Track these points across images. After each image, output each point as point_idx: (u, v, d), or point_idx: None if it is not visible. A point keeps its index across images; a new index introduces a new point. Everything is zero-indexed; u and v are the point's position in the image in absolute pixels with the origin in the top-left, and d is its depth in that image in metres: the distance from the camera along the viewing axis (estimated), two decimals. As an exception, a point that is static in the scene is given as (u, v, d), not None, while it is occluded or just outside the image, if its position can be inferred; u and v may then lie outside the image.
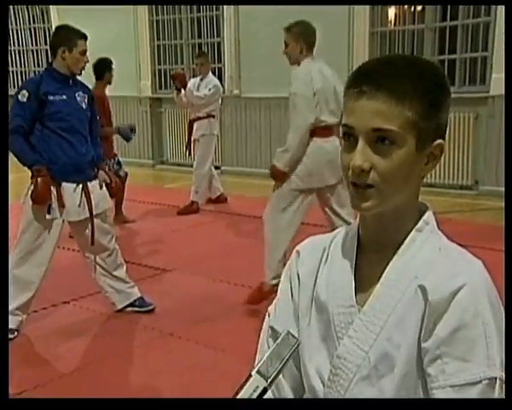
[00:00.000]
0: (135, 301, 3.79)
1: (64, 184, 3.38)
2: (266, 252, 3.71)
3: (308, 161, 3.58)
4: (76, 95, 3.42)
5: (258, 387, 0.79)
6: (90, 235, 3.52)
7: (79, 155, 3.41)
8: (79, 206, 3.44)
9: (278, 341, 0.83)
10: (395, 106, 0.91)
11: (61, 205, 3.36)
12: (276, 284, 1.18)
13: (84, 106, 3.46)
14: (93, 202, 3.47)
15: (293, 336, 0.84)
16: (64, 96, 3.35)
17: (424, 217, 1.00)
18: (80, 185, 3.44)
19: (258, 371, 0.80)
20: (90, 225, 3.50)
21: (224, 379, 2.68)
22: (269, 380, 0.79)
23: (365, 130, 0.92)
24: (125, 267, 3.81)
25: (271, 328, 1.08)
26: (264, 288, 3.69)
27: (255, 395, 0.78)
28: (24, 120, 3.28)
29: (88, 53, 3.46)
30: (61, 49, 3.33)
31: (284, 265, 1.23)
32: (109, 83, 5.78)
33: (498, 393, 0.88)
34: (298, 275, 1.07)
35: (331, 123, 3.61)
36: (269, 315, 1.11)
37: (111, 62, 5.73)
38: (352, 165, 0.92)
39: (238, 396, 0.78)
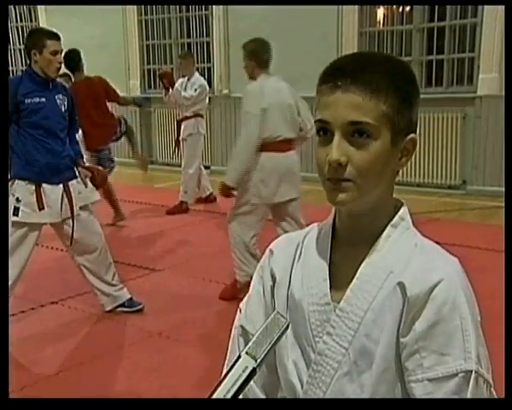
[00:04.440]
0: (123, 302, 3.79)
1: (44, 186, 3.35)
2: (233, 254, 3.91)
3: (261, 175, 3.64)
4: (56, 97, 3.39)
5: (247, 367, 0.79)
6: (71, 234, 3.48)
7: (57, 156, 3.38)
8: (61, 207, 3.40)
9: (267, 322, 0.83)
10: (370, 99, 0.91)
11: (41, 207, 3.33)
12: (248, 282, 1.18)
13: (63, 109, 3.43)
14: (74, 200, 3.44)
15: (282, 316, 0.84)
16: (43, 99, 3.32)
17: (399, 213, 1.00)
18: (60, 186, 3.40)
19: (247, 352, 0.80)
20: (71, 225, 3.46)
21: (213, 379, 2.67)
22: (258, 361, 0.80)
23: (341, 123, 0.91)
24: (113, 269, 3.78)
25: (242, 327, 1.07)
26: (238, 285, 3.88)
27: (244, 376, 0.79)
28: None
29: (63, 53, 3.42)
30: (33, 52, 3.31)
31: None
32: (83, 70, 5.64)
33: (473, 386, 0.88)
34: (272, 275, 1.06)
35: (289, 137, 3.63)
36: (240, 312, 1.10)
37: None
38: (329, 159, 0.91)
39: (227, 377, 0.79)
